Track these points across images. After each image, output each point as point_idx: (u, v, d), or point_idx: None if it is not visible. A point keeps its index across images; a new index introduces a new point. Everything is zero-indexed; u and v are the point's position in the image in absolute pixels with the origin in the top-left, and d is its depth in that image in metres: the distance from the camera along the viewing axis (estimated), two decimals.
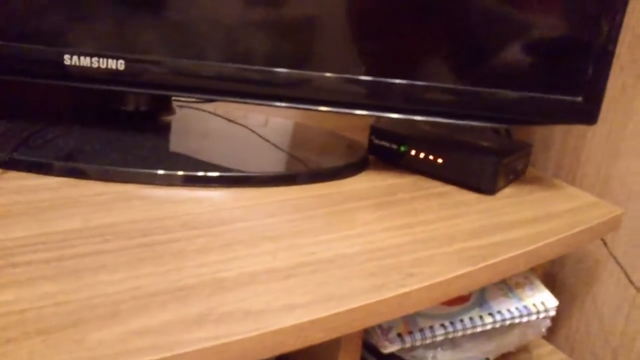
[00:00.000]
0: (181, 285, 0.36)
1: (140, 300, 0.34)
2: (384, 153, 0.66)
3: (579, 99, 0.56)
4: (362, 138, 0.70)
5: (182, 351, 0.30)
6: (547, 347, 0.76)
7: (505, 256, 0.46)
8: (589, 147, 0.76)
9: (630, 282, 0.65)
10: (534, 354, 0.73)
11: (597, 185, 0.75)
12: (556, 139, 0.81)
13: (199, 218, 0.46)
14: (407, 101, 0.56)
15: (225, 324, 0.33)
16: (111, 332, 0.31)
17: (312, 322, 0.35)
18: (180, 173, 0.51)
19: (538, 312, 0.60)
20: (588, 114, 0.56)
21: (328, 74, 0.55)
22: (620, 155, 0.72)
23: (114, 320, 0.32)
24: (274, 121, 0.75)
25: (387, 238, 0.47)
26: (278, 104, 0.56)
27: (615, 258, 0.65)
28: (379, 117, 0.59)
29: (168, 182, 0.51)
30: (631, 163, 0.71)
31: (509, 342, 0.63)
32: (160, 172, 0.51)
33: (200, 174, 0.52)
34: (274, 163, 0.58)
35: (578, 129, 0.78)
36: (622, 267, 0.66)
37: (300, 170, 0.57)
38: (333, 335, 0.37)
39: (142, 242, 0.41)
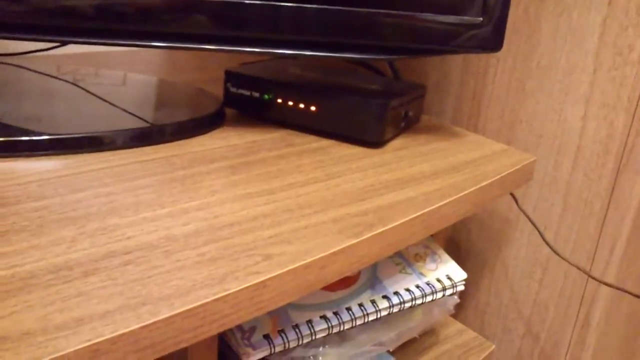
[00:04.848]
0: None
1: None
2: (245, 104, 0.55)
3: (480, 19, 0.47)
4: None
5: None
6: (456, 326, 0.70)
7: (398, 222, 0.39)
8: (491, 87, 0.69)
9: (544, 240, 0.59)
10: (440, 336, 0.66)
11: (503, 130, 0.69)
12: (453, 80, 0.73)
13: None
14: (264, 29, 0.45)
15: None
16: None
17: (111, 342, 0.25)
18: None
19: (444, 289, 0.52)
20: (492, 37, 0.48)
21: None
22: (527, 94, 0.65)
23: None
24: (126, 77, 0.62)
25: (240, 209, 0.38)
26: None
27: (526, 214, 0.59)
28: (233, 53, 0.47)
29: None
30: (540, 102, 0.64)
31: (412, 327, 0.55)
32: None
33: None
34: (97, 123, 0.46)
35: (477, 66, 0.70)
36: (534, 225, 0.59)
37: (123, 129, 0.45)
38: (149, 359, 0.26)
39: None
